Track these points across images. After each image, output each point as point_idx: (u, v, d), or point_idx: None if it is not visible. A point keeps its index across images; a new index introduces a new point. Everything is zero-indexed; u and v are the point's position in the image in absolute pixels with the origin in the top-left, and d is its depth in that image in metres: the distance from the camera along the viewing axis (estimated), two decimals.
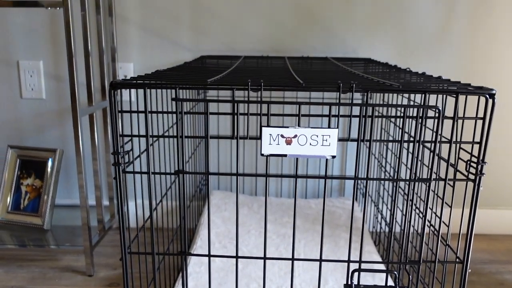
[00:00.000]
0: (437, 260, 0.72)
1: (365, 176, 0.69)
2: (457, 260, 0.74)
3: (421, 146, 0.81)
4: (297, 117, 0.64)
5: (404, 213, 0.77)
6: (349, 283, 0.71)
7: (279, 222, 1.32)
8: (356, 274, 0.85)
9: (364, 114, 0.66)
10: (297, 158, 0.67)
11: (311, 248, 1.17)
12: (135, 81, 0.68)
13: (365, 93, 0.63)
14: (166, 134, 1.25)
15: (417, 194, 0.95)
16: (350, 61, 1.28)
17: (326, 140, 0.64)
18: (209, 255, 0.73)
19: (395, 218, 0.75)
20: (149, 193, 0.70)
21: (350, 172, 1.51)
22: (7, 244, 1.22)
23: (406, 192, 1.08)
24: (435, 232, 0.85)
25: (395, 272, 0.72)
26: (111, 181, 1.44)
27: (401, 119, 0.65)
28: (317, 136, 0.64)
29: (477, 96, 0.67)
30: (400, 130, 1.09)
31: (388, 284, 0.77)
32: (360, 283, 0.73)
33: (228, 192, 1.52)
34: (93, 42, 1.37)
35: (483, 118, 0.67)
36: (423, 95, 0.67)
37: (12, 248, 1.23)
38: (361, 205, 1.50)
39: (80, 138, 1.11)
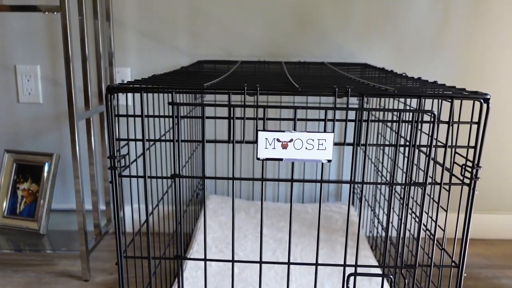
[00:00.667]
0: (433, 264, 0.73)
1: (361, 180, 0.69)
2: (453, 264, 0.74)
3: (416, 150, 0.82)
4: (293, 122, 0.65)
5: (400, 217, 0.77)
6: (346, 287, 0.71)
7: (276, 226, 1.32)
8: (352, 278, 0.85)
9: (360, 119, 0.66)
10: (293, 163, 0.67)
11: (308, 253, 1.17)
12: (131, 85, 0.68)
13: (361, 98, 0.63)
14: (163, 138, 1.25)
15: (413, 198, 0.95)
16: (346, 66, 1.29)
17: (322, 144, 0.64)
18: (205, 259, 0.73)
19: (391, 223, 0.75)
20: (145, 197, 0.70)
21: (346, 177, 1.52)
22: (3, 249, 1.21)
23: (402, 196, 1.08)
24: (431, 236, 0.85)
25: (391, 276, 0.72)
26: (107, 186, 1.44)
27: (397, 124, 0.65)
28: (312, 140, 0.64)
29: (472, 101, 0.68)
30: (396, 135, 1.09)
31: None
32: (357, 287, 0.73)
33: (225, 196, 1.52)
34: (90, 46, 1.37)
35: (478, 123, 0.67)
36: (419, 99, 0.67)
37: (8, 253, 1.23)
38: (358, 210, 1.50)
39: (76, 143, 1.11)
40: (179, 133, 0.67)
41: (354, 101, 1.45)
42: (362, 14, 1.39)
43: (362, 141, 0.68)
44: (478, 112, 0.67)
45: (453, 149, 0.75)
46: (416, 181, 0.87)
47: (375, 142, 1.40)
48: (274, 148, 0.64)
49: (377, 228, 1.33)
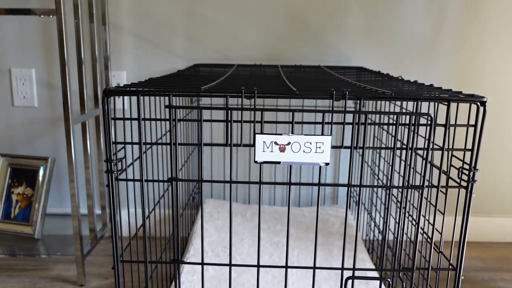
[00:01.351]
0: (430, 267, 0.73)
1: (359, 184, 0.69)
2: (450, 267, 0.74)
3: (413, 153, 0.82)
4: (291, 124, 0.64)
5: (397, 220, 0.77)
6: None
7: (273, 230, 1.32)
8: (350, 281, 0.85)
9: (357, 122, 0.66)
10: (290, 166, 0.67)
11: (305, 256, 1.17)
12: (128, 88, 0.68)
13: (358, 101, 0.63)
14: (160, 141, 1.25)
15: (410, 201, 0.95)
16: (342, 70, 1.29)
17: (320, 147, 0.64)
18: (202, 263, 0.73)
19: (388, 226, 0.75)
20: (142, 201, 0.70)
21: (343, 180, 1.52)
22: None
23: (399, 199, 1.08)
24: (428, 239, 0.85)
25: (389, 280, 0.72)
26: (103, 190, 1.43)
27: (394, 127, 0.65)
28: (310, 143, 0.64)
29: (469, 104, 0.68)
30: (393, 138, 1.09)
31: None
32: None
33: (221, 200, 1.52)
34: (86, 50, 1.37)
35: (475, 125, 0.68)
36: (415, 102, 0.67)
37: (2, 258, 1.22)
38: (355, 213, 1.50)
39: (72, 146, 1.11)
40: (176, 136, 0.67)
41: (349, 104, 1.46)
42: (358, 17, 1.39)
43: (360, 144, 0.68)
44: (475, 115, 0.67)
45: (450, 152, 0.75)
46: (413, 184, 0.87)
47: (371, 145, 1.40)
48: (271, 151, 0.64)
49: (373, 231, 1.33)
